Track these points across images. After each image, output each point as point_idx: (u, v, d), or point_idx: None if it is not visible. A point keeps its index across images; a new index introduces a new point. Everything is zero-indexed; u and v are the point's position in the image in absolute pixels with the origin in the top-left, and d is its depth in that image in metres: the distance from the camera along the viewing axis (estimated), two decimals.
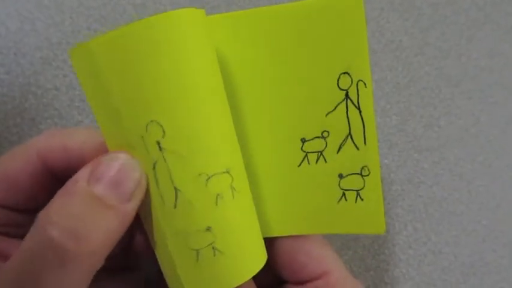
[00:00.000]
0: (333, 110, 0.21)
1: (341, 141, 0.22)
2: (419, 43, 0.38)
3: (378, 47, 0.38)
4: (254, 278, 0.23)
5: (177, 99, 0.18)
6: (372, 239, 0.36)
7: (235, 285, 0.20)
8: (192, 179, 0.19)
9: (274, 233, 0.23)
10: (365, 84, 0.21)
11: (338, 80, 0.21)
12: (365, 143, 0.21)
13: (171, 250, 0.20)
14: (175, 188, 0.19)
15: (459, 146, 0.38)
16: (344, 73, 0.21)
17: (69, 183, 0.18)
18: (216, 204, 0.19)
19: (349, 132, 0.21)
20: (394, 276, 0.37)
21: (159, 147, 0.18)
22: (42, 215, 0.17)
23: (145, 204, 0.19)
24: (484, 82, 0.39)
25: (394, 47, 0.38)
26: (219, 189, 0.19)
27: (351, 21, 0.20)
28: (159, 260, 0.21)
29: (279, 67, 0.21)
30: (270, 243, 0.23)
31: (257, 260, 0.21)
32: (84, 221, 0.17)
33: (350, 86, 0.21)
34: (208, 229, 0.19)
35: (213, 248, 0.19)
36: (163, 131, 0.18)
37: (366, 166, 0.21)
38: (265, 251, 0.22)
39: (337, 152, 0.22)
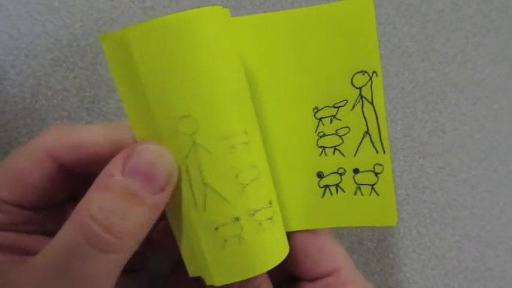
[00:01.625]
0: (351, 108, 0.22)
1: (359, 139, 0.22)
2: (425, 49, 0.39)
3: (384, 52, 0.38)
4: (267, 273, 0.23)
5: (211, 95, 0.19)
6: (377, 242, 0.36)
7: (258, 273, 0.20)
8: (222, 175, 0.19)
9: (291, 227, 0.24)
10: (376, 80, 0.22)
11: (352, 79, 0.22)
12: (381, 141, 0.22)
13: (200, 237, 0.20)
14: (205, 183, 0.19)
15: (464, 151, 0.39)
16: (359, 72, 0.22)
17: (103, 177, 0.18)
18: (243, 195, 0.20)
19: (367, 130, 0.22)
20: (398, 281, 0.37)
21: (193, 141, 0.18)
22: (81, 208, 0.17)
23: (174, 193, 0.19)
24: (489, 88, 0.40)
25: (400, 53, 0.38)
26: (246, 182, 0.20)
27: (361, 21, 0.21)
28: (181, 245, 0.21)
29: (295, 67, 0.23)
30: None
31: (280, 250, 0.22)
32: (122, 216, 0.17)
33: (364, 84, 0.22)
34: (237, 219, 0.19)
35: (239, 237, 0.20)
36: (197, 126, 0.18)
37: (379, 163, 0.22)
38: (287, 243, 0.22)
39: (355, 153, 0.23)
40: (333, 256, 0.24)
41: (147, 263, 0.28)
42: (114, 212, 0.17)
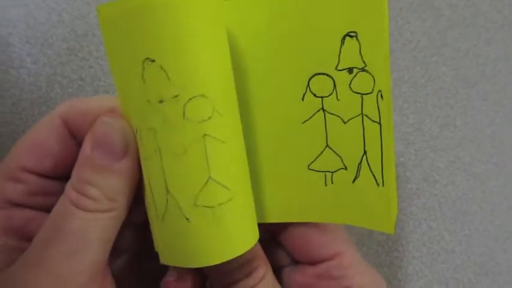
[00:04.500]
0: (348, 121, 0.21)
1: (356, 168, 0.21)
2: (437, 44, 0.39)
3: (396, 46, 0.38)
4: (267, 255, 0.23)
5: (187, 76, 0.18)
6: (386, 235, 0.37)
7: (203, 265, 0.20)
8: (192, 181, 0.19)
9: (278, 218, 0.23)
10: (382, 96, 0.20)
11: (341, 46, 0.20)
12: (382, 177, 0.20)
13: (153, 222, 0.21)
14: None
15: (474, 146, 0.39)
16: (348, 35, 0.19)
17: (80, 152, 0.20)
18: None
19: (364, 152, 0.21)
20: (407, 273, 0.37)
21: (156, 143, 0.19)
22: (68, 183, 0.20)
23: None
24: (500, 84, 0.40)
25: (412, 47, 0.38)
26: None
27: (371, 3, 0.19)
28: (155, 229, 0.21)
29: (287, 51, 0.21)
30: (282, 224, 0.23)
31: (247, 239, 0.21)
32: (93, 184, 0.19)
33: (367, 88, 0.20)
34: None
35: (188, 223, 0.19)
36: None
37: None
38: (257, 231, 0.21)
39: (353, 181, 0.21)
40: (334, 240, 0.23)
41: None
42: (87, 182, 0.19)
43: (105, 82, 0.32)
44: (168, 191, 0.19)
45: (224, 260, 0.20)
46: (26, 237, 0.21)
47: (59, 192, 0.20)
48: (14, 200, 0.21)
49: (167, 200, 0.19)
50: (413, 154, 0.38)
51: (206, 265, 0.20)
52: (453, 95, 0.39)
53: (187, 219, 0.19)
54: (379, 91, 0.19)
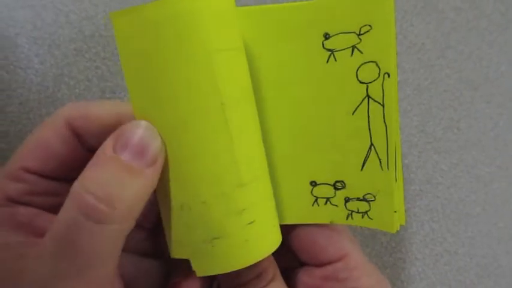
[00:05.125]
0: (355, 110, 0.21)
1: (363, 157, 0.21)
2: (441, 46, 0.39)
3: (400, 49, 0.38)
4: (275, 257, 0.23)
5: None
6: (390, 237, 0.37)
7: (239, 267, 0.20)
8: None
9: (287, 220, 0.24)
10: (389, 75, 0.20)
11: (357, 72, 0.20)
12: (388, 167, 0.21)
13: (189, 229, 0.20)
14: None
15: (478, 148, 0.39)
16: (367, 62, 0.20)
17: (98, 154, 0.19)
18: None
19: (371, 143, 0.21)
20: (410, 275, 0.37)
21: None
22: (75, 185, 0.18)
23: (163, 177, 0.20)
24: (504, 86, 0.40)
25: (416, 50, 0.38)
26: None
27: (377, 16, 0.19)
28: (166, 227, 0.21)
29: (302, 67, 0.21)
30: (290, 226, 0.24)
31: (272, 241, 0.21)
32: (116, 187, 0.18)
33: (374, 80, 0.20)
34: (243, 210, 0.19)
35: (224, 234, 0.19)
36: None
37: (370, 193, 0.22)
38: (280, 233, 0.22)
39: (361, 169, 0.22)
40: (341, 242, 0.24)
41: (163, 247, 0.28)
42: (110, 184, 0.18)
43: (112, 83, 0.33)
44: (198, 196, 0.19)
45: (251, 263, 0.20)
46: (33, 232, 0.21)
47: (62, 193, 0.20)
48: (16, 198, 0.21)
49: (197, 205, 0.19)
50: (417, 156, 0.38)
51: (235, 269, 0.20)
52: (457, 97, 0.39)
53: (217, 225, 0.19)
54: (386, 73, 0.20)
